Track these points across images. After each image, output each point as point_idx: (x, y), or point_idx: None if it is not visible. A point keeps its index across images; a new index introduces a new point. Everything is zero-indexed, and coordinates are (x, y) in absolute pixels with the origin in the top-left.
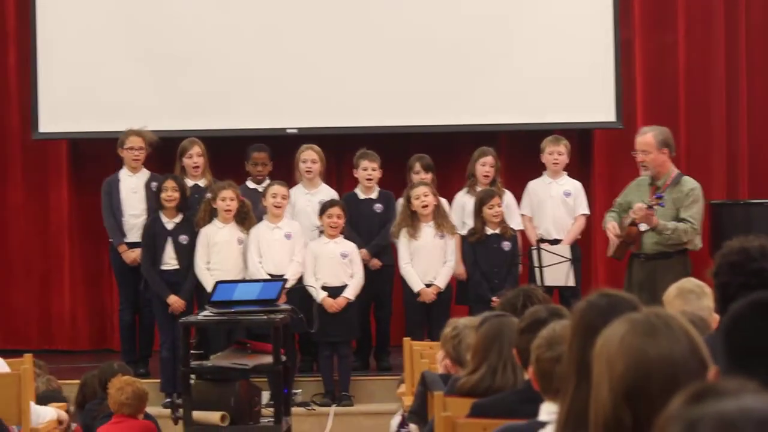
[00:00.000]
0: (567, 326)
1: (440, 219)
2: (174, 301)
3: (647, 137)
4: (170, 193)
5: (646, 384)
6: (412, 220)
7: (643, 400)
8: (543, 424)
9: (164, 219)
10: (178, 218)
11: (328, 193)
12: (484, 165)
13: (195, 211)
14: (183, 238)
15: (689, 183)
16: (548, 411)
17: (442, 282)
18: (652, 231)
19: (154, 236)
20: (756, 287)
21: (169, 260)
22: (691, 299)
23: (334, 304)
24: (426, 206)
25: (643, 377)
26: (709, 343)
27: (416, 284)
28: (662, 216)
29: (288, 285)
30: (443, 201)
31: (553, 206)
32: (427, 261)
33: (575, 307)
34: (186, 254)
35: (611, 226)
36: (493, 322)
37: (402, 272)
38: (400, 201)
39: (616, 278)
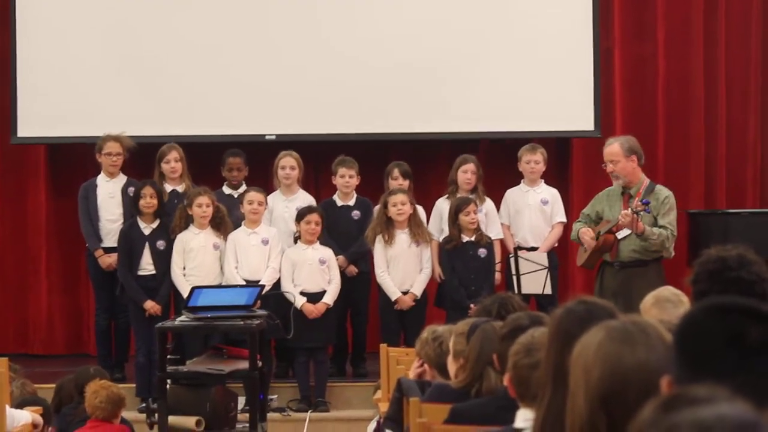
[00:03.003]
0: (545, 333)
1: (415, 227)
2: (151, 306)
3: (614, 147)
4: (149, 200)
5: (623, 391)
6: (387, 226)
7: (619, 407)
8: (519, 431)
9: (142, 224)
10: (156, 224)
11: (305, 199)
12: (466, 172)
13: (172, 217)
14: (160, 244)
15: (664, 191)
16: (524, 417)
17: (418, 289)
18: (638, 237)
19: (131, 241)
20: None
21: (146, 265)
22: (668, 308)
23: (314, 310)
24: (401, 213)
25: (619, 384)
26: None
27: (393, 293)
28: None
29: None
30: (420, 209)
31: (530, 214)
32: (404, 269)
33: (553, 314)
34: (163, 260)
35: (586, 230)
36: None
37: (378, 280)
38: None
39: (593, 286)
